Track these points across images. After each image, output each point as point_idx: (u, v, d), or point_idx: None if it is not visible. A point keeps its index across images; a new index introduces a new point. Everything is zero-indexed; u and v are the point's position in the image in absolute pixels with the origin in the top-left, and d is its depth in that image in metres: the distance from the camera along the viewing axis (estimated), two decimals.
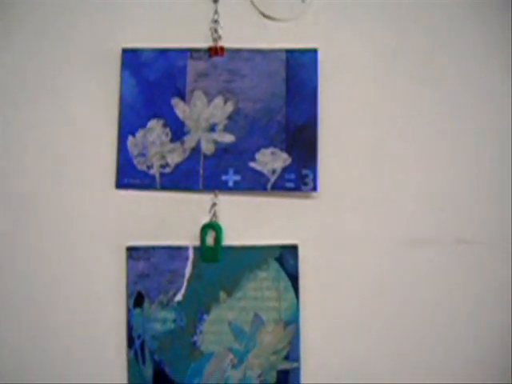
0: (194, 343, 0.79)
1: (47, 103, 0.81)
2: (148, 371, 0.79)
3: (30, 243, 0.80)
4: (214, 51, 0.81)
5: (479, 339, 0.78)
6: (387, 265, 0.79)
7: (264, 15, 0.82)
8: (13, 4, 0.81)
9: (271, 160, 0.80)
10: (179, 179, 0.80)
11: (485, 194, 0.79)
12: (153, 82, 0.81)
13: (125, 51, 0.82)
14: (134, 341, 0.79)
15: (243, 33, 0.82)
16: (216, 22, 0.82)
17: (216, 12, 0.82)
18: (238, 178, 0.80)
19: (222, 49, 0.81)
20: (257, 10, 0.82)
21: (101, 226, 0.80)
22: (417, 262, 0.80)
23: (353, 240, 0.79)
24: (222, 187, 0.80)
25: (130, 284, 0.79)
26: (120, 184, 0.80)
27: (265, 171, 0.80)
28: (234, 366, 0.79)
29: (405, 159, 0.80)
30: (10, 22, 0.82)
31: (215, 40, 0.82)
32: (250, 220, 0.79)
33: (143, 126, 0.81)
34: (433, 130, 0.80)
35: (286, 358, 0.78)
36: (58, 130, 0.81)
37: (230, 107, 0.81)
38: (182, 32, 0.82)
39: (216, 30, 0.82)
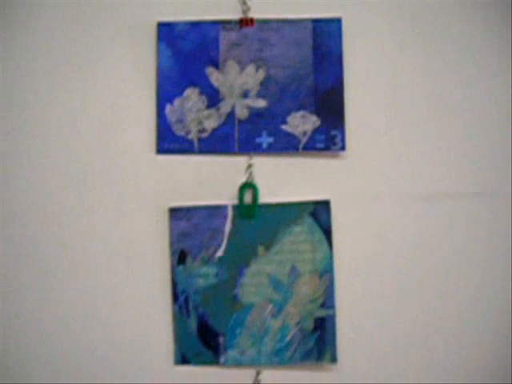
0: (235, 296, 0.85)
1: (89, 74, 0.87)
2: (192, 323, 0.85)
3: (77, 208, 0.85)
4: (245, 22, 0.87)
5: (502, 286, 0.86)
6: (411, 218, 0.86)
7: None
8: None
9: (302, 122, 0.86)
10: (216, 143, 0.86)
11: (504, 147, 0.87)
12: (188, 53, 0.87)
13: (161, 24, 0.87)
14: (179, 296, 0.85)
15: (271, 4, 0.88)
16: None
17: None
18: (271, 140, 0.86)
19: (252, 20, 0.87)
20: None
21: (144, 189, 0.85)
22: (440, 216, 0.87)
23: (379, 195, 0.86)
24: (257, 149, 0.86)
25: (173, 243, 0.85)
26: (161, 149, 0.86)
27: (296, 133, 0.86)
28: (273, 316, 0.85)
29: (425, 118, 0.87)
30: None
31: (245, 12, 0.87)
32: (283, 179, 0.85)
33: (180, 94, 0.87)
34: (450, 89, 0.87)
35: (322, 305, 0.85)
36: (100, 101, 0.86)
37: (261, 74, 0.87)
38: (213, 5, 0.88)
39: (245, 2, 0.88)
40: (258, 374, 0.85)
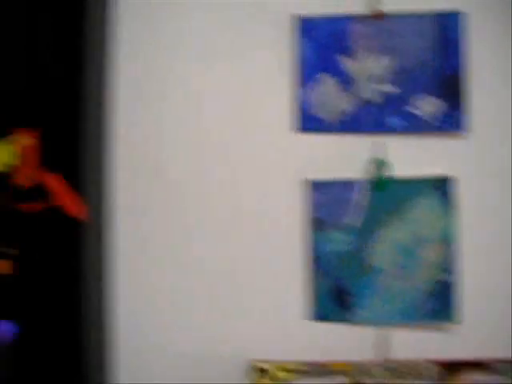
0: (366, 260, 0.96)
1: (236, 60, 0.99)
2: (326, 285, 0.96)
3: (227, 181, 0.97)
4: (375, 16, 0.98)
5: None
6: None
7: None
8: None
9: (428, 105, 0.96)
10: (350, 123, 0.97)
11: None
12: (324, 43, 0.98)
13: (300, 18, 0.99)
14: (315, 259, 0.96)
15: None
16: None
17: None
18: (400, 121, 0.96)
19: (382, 13, 0.98)
20: None
21: (286, 164, 0.97)
22: None
23: (501, 172, 0.96)
24: (387, 129, 0.96)
25: (311, 211, 0.97)
26: (300, 128, 0.98)
27: (422, 115, 0.96)
28: (400, 279, 0.95)
29: None
30: None
31: (374, 5, 0.98)
32: (412, 156, 0.96)
33: (318, 80, 0.98)
34: None
35: (446, 271, 0.95)
36: (247, 85, 0.98)
37: (390, 62, 0.97)
38: None
39: None
40: (385, 331, 0.95)
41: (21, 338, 0.93)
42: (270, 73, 0.97)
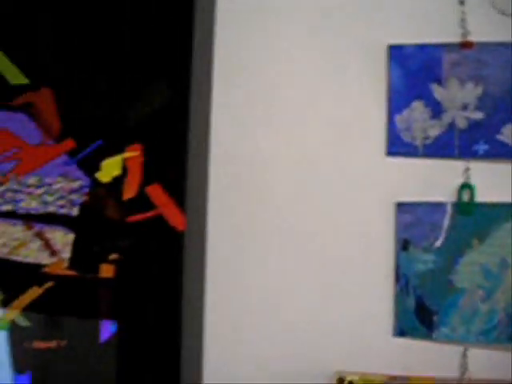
0: (450, 281, 1.01)
1: (329, 85, 1.05)
2: (411, 302, 1.01)
3: (318, 200, 1.03)
4: (465, 45, 1.03)
5: None
6: None
7: (503, 13, 1.03)
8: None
9: None
10: (438, 148, 1.02)
11: None
12: (414, 71, 1.04)
13: (392, 46, 1.04)
14: (400, 277, 1.01)
15: (486, 28, 1.03)
16: (463, 20, 1.03)
17: (463, 12, 1.03)
18: (487, 147, 1.01)
19: (471, 43, 1.03)
20: (496, 9, 1.03)
21: (375, 186, 1.02)
22: None
23: None
24: (474, 155, 1.01)
25: (398, 232, 1.02)
26: (390, 152, 1.03)
27: (510, 142, 1.00)
28: (483, 300, 1.00)
29: None
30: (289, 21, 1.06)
31: (464, 35, 1.03)
32: (498, 182, 1.00)
33: (408, 106, 1.03)
34: None
35: None
36: (339, 108, 1.04)
37: (479, 90, 1.02)
38: (436, 29, 1.04)
39: (464, 27, 1.03)
40: (465, 350, 0.99)
41: (121, 336, 1.01)
42: (364, 99, 1.03)
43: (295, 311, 1.01)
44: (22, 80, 1.10)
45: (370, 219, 1.01)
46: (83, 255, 1.03)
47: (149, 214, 0.99)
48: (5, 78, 1.10)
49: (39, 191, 1.08)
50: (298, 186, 1.02)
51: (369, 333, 1.01)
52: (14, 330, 1.07)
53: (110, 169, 1.02)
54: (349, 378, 0.98)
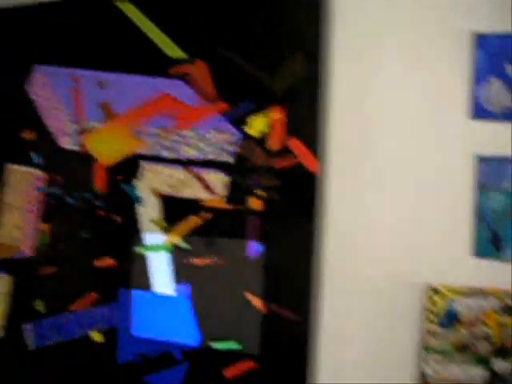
0: None
1: (418, 68, 1.40)
2: (486, 231, 1.39)
3: (414, 155, 1.40)
4: None
5: None
6: None
7: None
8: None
9: None
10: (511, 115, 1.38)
11: None
12: (494, 54, 1.39)
13: (477, 35, 1.40)
14: (479, 213, 1.38)
15: None
16: None
17: None
18: None
19: None
20: None
21: (461, 143, 1.38)
22: None
23: None
24: None
25: (479, 179, 1.39)
26: (474, 117, 1.39)
27: None
28: None
29: None
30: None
31: None
32: None
33: (488, 81, 1.39)
34: None
35: None
36: (431, 85, 1.39)
37: None
38: None
39: None
40: None
41: (266, 255, 1.37)
42: (453, 76, 1.38)
43: (396, 234, 1.37)
44: (180, 54, 1.44)
45: (456, 168, 1.37)
46: (236, 192, 1.39)
47: (290, 162, 1.35)
48: (164, 52, 1.43)
49: (196, 142, 1.43)
50: (400, 142, 1.37)
51: (453, 253, 1.37)
52: (176, 251, 1.43)
53: (257, 126, 1.37)
54: (435, 287, 1.35)
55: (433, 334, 1.32)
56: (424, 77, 1.35)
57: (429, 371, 1.31)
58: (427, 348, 1.31)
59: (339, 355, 1.33)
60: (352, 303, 1.34)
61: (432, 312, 1.32)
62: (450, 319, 1.32)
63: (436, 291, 1.33)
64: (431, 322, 1.32)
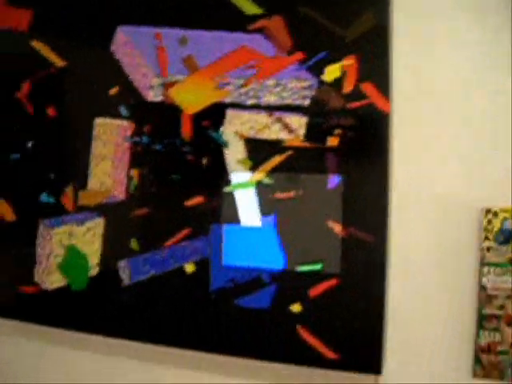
0: None
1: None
2: None
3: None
4: None
5: None
6: None
7: None
8: None
9: None
10: None
11: None
12: None
13: None
14: None
15: None
16: None
17: None
18: None
19: None
20: None
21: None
22: None
23: None
24: None
25: None
26: None
27: None
28: None
29: None
30: None
31: None
32: None
33: None
34: None
35: None
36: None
37: None
38: None
39: None
40: None
41: (344, 186, 1.69)
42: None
43: (458, 164, 1.68)
44: (256, 10, 1.74)
45: None
46: (315, 132, 1.71)
47: (363, 103, 1.67)
48: (241, 9, 1.73)
49: (277, 89, 1.74)
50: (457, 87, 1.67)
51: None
52: (261, 187, 1.75)
53: (332, 73, 1.68)
54: (491, 208, 1.67)
55: (489, 249, 1.64)
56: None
57: (486, 282, 1.64)
58: (485, 262, 1.64)
59: (408, 267, 1.66)
60: (419, 225, 1.66)
61: (489, 230, 1.65)
62: (505, 236, 1.65)
63: (492, 212, 1.65)
64: (488, 239, 1.65)
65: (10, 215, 2.03)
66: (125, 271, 1.85)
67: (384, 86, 1.58)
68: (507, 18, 1.55)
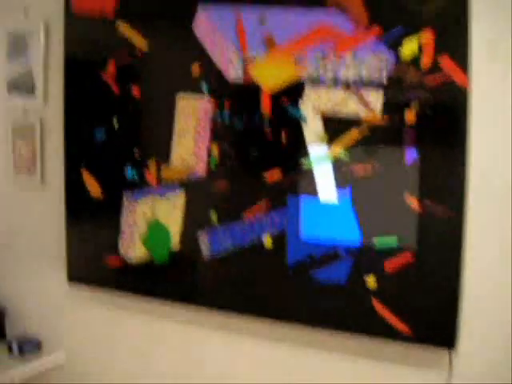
0: None
1: None
2: None
3: None
4: None
5: None
6: None
7: None
8: None
9: None
10: None
11: None
12: None
13: None
14: None
15: None
16: None
17: None
18: None
19: None
20: None
21: None
22: None
23: None
24: None
25: None
26: None
27: None
28: None
29: None
30: None
31: None
32: None
33: None
34: None
35: None
36: None
37: None
38: None
39: None
40: None
41: (421, 160, 1.71)
42: None
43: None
44: None
45: None
46: (393, 108, 1.74)
47: (442, 79, 1.68)
48: None
49: (354, 64, 1.77)
50: None
51: None
52: (338, 161, 1.80)
53: (410, 47, 1.70)
54: None
55: None
56: None
57: None
58: None
59: (484, 244, 1.67)
60: (495, 204, 1.66)
61: None
62: None
63: None
64: None
65: (96, 189, 2.16)
66: (204, 243, 1.94)
67: (462, 61, 1.60)
68: None
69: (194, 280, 2.00)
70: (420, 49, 1.63)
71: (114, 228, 2.11)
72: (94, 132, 2.13)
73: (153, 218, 2.02)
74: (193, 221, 1.97)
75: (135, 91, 2.05)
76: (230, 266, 1.90)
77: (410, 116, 1.64)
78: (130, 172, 2.06)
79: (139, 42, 2.03)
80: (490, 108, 1.61)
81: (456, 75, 1.59)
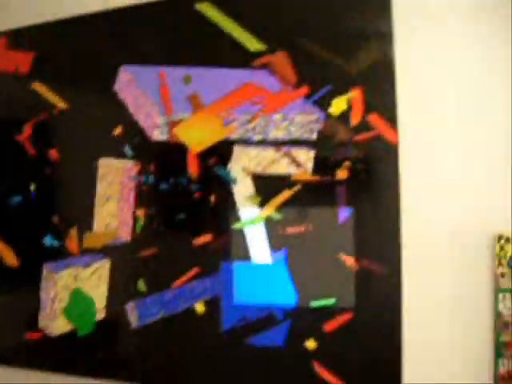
0: None
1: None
2: None
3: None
4: None
5: None
6: None
7: None
8: None
9: None
10: None
11: None
12: None
13: None
14: None
15: None
16: None
17: None
18: None
19: None
20: None
21: None
22: None
23: None
24: None
25: None
26: None
27: None
28: None
29: None
30: None
31: None
32: None
33: None
34: None
35: None
36: None
37: None
38: None
39: None
40: None
41: (355, 218, 1.71)
42: None
43: (467, 191, 1.70)
44: (260, 47, 1.78)
45: None
46: (323, 165, 1.73)
47: (371, 135, 1.70)
48: (245, 46, 1.77)
49: (284, 124, 1.77)
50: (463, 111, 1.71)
51: None
52: (270, 222, 1.77)
53: (338, 105, 1.72)
54: (503, 234, 1.69)
55: (503, 275, 1.66)
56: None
57: (502, 309, 1.66)
58: (499, 289, 1.65)
59: (422, 297, 1.66)
60: (431, 254, 1.67)
61: (502, 256, 1.67)
62: None
63: (504, 238, 1.67)
64: (501, 265, 1.66)
65: (12, 260, 2.03)
66: (133, 313, 1.84)
67: (391, 117, 1.61)
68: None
69: (121, 353, 1.88)
70: (349, 107, 1.62)
71: (34, 301, 1.97)
72: (10, 199, 2.01)
73: (75, 289, 1.90)
74: (119, 290, 1.87)
75: (53, 154, 1.95)
76: (160, 337, 1.81)
77: (341, 174, 1.63)
78: (49, 241, 1.95)
79: (57, 102, 1.95)
80: (421, 162, 1.61)
81: (385, 132, 1.59)
